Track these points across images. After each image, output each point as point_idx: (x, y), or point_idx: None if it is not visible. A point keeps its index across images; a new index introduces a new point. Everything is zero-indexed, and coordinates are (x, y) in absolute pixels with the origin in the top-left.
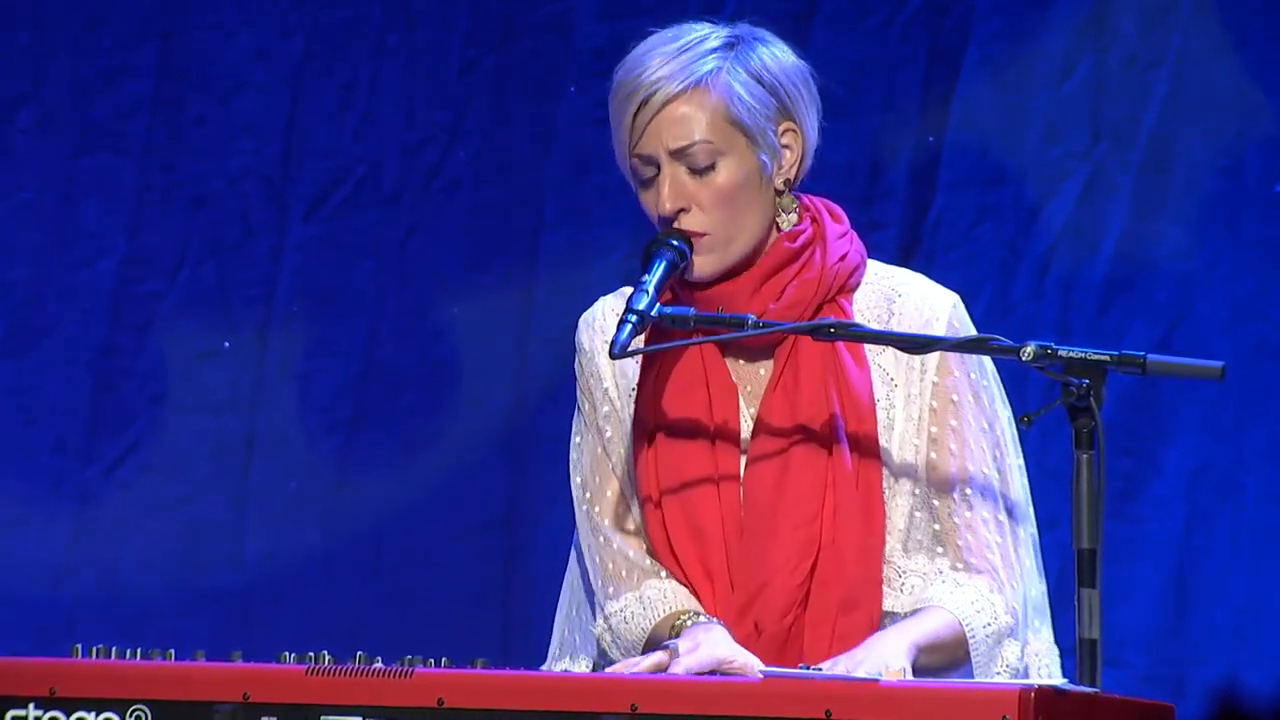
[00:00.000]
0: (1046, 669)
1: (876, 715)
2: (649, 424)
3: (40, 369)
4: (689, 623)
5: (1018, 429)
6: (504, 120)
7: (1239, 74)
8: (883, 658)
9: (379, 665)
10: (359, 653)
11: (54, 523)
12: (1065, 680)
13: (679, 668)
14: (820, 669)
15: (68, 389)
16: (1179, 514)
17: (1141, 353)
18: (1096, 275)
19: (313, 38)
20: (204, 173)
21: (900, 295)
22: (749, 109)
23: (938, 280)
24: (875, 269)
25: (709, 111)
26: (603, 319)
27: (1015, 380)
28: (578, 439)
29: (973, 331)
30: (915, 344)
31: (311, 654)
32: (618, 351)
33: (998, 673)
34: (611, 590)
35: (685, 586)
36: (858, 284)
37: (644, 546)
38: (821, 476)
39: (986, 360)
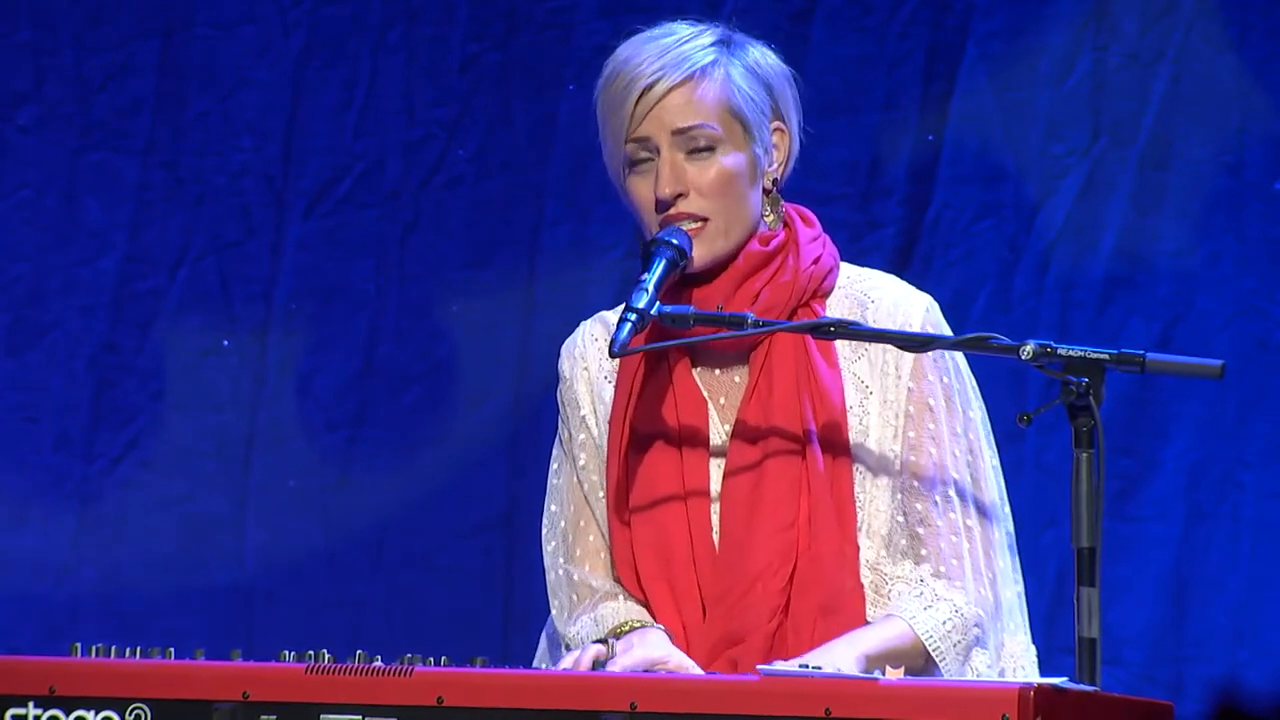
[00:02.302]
0: (1023, 670)
1: (876, 713)
2: (620, 446)
3: (41, 366)
4: (631, 629)
5: (1018, 426)
6: (505, 117)
7: (1240, 71)
8: (831, 663)
9: (379, 664)
10: (359, 651)
11: (55, 520)
12: (1065, 678)
13: (615, 666)
14: (820, 667)
15: (69, 386)
16: (1178, 513)
17: (1141, 351)
18: (1096, 273)
19: (313, 35)
20: (205, 170)
21: (873, 301)
22: (748, 100)
23: (938, 279)
24: (848, 272)
25: (711, 98)
26: (582, 346)
27: (1014, 379)
28: (555, 466)
29: (948, 334)
30: (914, 342)
31: (311, 652)
32: (618, 350)
33: None
34: (569, 616)
35: (643, 606)
36: (831, 288)
37: (609, 574)
38: (797, 483)
39: (960, 360)
